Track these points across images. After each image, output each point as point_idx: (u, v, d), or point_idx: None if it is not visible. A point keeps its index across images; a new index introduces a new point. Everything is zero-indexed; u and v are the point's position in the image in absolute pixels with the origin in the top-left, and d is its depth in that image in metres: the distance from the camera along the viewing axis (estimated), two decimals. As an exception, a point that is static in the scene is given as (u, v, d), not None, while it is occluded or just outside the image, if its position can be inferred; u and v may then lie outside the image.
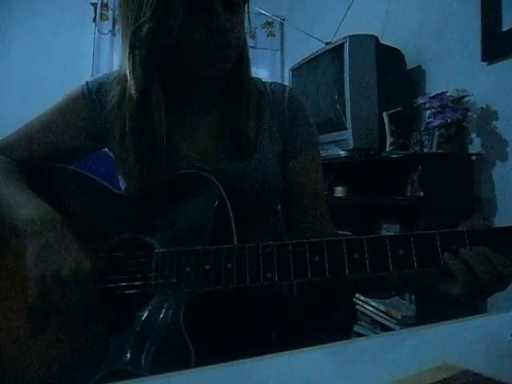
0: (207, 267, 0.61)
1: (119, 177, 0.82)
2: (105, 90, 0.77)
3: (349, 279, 0.75)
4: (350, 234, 2.00)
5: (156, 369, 0.59)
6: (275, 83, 0.86)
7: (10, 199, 0.69)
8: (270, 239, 0.85)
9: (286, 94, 0.83)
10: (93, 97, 0.77)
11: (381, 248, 0.57)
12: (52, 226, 0.64)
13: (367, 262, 0.56)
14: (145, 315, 0.63)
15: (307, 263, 0.58)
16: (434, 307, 0.63)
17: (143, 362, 0.60)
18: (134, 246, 0.67)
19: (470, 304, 0.58)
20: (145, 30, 0.68)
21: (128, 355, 0.61)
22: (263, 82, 0.85)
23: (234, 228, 0.64)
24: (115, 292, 0.66)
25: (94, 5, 3.06)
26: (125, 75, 0.73)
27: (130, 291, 0.66)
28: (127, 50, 0.71)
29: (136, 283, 0.65)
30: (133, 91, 0.72)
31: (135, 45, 0.70)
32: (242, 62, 0.77)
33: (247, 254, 0.60)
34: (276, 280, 0.58)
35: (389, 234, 0.60)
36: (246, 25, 0.76)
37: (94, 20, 3.04)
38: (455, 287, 0.57)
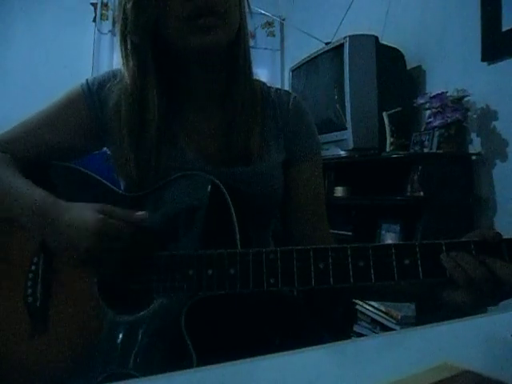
0: (210, 272, 0.60)
1: (117, 177, 0.80)
2: (107, 88, 0.76)
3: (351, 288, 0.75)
4: (350, 234, 2.00)
5: (156, 373, 0.58)
6: (280, 89, 0.84)
7: (8, 192, 0.69)
8: (271, 239, 0.85)
9: (291, 102, 0.82)
10: (93, 95, 0.76)
11: (386, 257, 0.56)
12: (54, 204, 0.65)
13: (372, 271, 0.55)
14: (146, 318, 0.63)
15: (311, 270, 0.57)
16: (434, 308, 0.63)
17: (144, 365, 0.60)
18: (136, 247, 0.66)
19: (476, 311, 0.57)
20: (128, 9, 0.68)
21: (128, 359, 0.61)
22: (268, 87, 0.84)
23: (237, 230, 0.63)
24: (115, 294, 0.65)
25: (94, 5, 3.06)
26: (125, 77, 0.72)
27: (131, 293, 0.65)
28: (119, 37, 0.71)
29: (137, 285, 0.65)
30: (127, 80, 0.71)
31: (125, 30, 0.70)
32: (241, 39, 0.74)
33: (251, 260, 0.59)
34: (279, 286, 0.58)
35: (394, 242, 0.59)
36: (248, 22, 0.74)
37: (94, 20, 3.05)
38: (460, 296, 0.56)
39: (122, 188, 0.80)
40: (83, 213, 0.62)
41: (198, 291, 0.60)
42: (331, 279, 0.56)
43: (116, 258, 0.62)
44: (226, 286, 0.59)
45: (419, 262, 0.55)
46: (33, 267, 0.68)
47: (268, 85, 0.84)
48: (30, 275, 0.68)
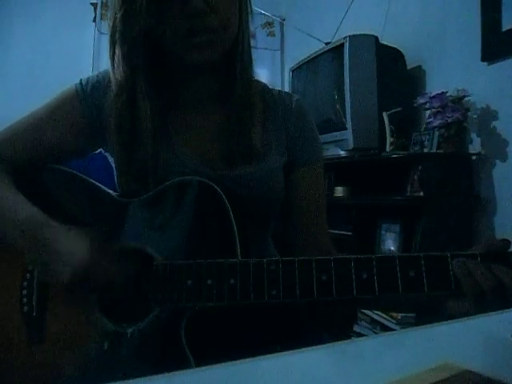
0: (209, 281, 0.58)
1: (115, 178, 0.78)
2: (102, 87, 0.74)
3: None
4: (349, 234, 2.00)
5: None
6: (282, 91, 0.84)
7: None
8: (271, 240, 0.84)
9: (294, 104, 0.81)
10: (87, 95, 0.75)
11: (390, 269, 0.54)
12: (44, 226, 0.62)
13: (376, 284, 0.54)
14: (144, 328, 0.62)
15: (314, 282, 0.56)
16: (436, 316, 0.63)
17: (142, 376, 0.60)
18: (133, 255, 0.65)
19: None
20: (118, 20, 0.66)
21: (126, 369, 0.60)
22: (270, 89, 0.82)
23: (236, 233, 0.61)
24: (113, 304, 0.64)
25: (94, 5, 3.06)
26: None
27: (129, 303, 0.64)
28: (108, 45, 0.70)
29: (135, 296, 0.63)
30: (114, 87, 0.70)
31: (114, 39, 0.69)
32: (236, 52, 0.72)
33: (251, 270, 0.57)
34: (281, 298, 0.56)
35: (399, 254, 0.57)
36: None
37: (94, 20, 3.05)
38: (464, 305, 0.55)
39: (120, 190, 0.78)
40: (76, 242, 0.60)
41: (197, 302, 0.59)
42: (334, 291, 0.55)
43: (93, 292, 0.62)
44: (226, 298, 0.57)
45: (424, 274, 0.54)
46: (27, 275, 0.67)
47: (270, 87, 0.83)
48: (25, 284, 0.67)
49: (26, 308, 0.66)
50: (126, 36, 0.67)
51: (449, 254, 0.54)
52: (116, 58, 0.70)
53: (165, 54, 0.70)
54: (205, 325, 0.62)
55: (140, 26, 0.65)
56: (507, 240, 0.56)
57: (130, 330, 0.62)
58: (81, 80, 0.77)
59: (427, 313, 0.67)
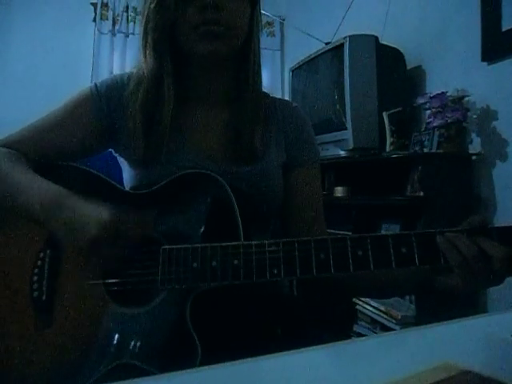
0: (214, 263, 0.62)
1: (129, 175, 0.81)
2: (117, 89, 0.79)
3: (350, 283, 0.77)
4: (349, 234, 2.00)
5: (162, 363, 0.60)
6: (282, 99, 0.90)
7: (20, 186, 0.70)
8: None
9: (292, 111, 0.87)
10: (102, 97, 0.79)
11: (384, 246, 0.59)
12: (69, 196, 0.67)
13: (371, 259, 0.58)
14: (151, 310, 0.64)
15: (312, 260, 0.59)
16: (434, 307, 0.64)
17: (149, 356, 0.61)
18: (142, 241, 0.67)
19: (469, 297, 0.61)
20: (151, 10, 0.74)
21: (134, 350, 0.62)
22: (271, 97, 0.88)
23: (240, 227, 0.64)
24: (121, 286, 0.66)
25: (94, 5, 3.06)
26: (143, 68, 0.78)
27: (137, 286, 0.66)
28: (141, 31, 0.78)
29: (143, 278, 0.66)
30: (144, 70, 0.77)
31: (147, 28, 0.76)
32: (250, 51, 0.79)
33: (254, 251, 0.61)
34: (282, 276, 0.60)
35: (391, 232, 0.62)
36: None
37: (94, 20, 3.05)
38: (453, 279, 0.60)
39: (129, 185, 0.81)
40: (98, 207, 0.64)
41: (202, 282, 0.62)
42: (332, 268, 0.59)
43: (118, 254, 0.64)
44: (230, 277, 0.61)
45: (415, 249, 0.58)
46: (39, 263, 0.69)
47: (271, 95, 0.89)
48: (36, 270, 0.69)
49: (35, 293, 0.68)
50: (157, 24, 0.75)
51: (437, 231, 0.59)
52: (148, 46, 0.77)
53: (181, 47, 0.76)
54: (210, 308, 0.65)
55: (169, 14, 0.73)
56: (485, 217, 0.61)
57: (136, 313, 0.64)
58: (95, 83, 0.82)
59: (421, 291, 0.72)
